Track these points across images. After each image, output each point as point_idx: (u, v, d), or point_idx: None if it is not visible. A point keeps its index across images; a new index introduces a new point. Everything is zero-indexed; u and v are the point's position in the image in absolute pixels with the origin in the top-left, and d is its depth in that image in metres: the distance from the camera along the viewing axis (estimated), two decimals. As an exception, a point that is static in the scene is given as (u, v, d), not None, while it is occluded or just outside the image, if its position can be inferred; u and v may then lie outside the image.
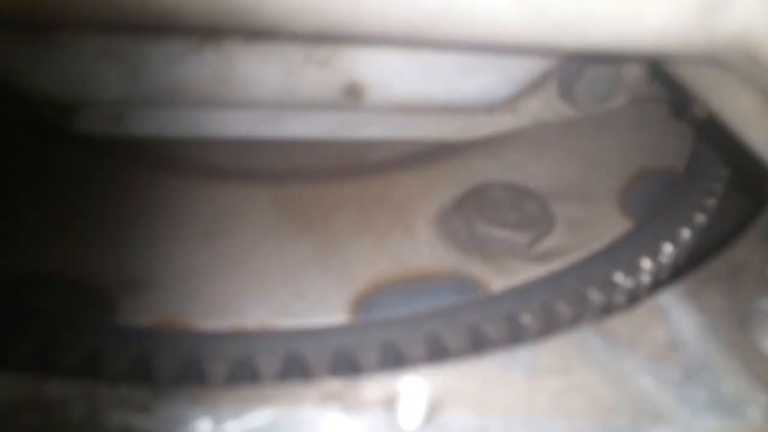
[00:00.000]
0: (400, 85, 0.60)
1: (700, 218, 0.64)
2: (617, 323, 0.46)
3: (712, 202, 0.66)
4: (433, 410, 0.40)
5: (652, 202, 0.66)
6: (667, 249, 0.60)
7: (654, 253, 0.60)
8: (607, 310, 0.56)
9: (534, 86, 0.64)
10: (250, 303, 0.53)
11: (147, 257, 0.54)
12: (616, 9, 0.37)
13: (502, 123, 0.67)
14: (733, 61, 0.41)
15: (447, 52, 0.58)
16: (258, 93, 0.59)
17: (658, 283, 0.59)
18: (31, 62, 0.56)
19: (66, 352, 0.46)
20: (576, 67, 0.65)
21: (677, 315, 0.47)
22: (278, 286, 0.54)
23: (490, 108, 0.65)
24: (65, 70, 0.58)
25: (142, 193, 0.61)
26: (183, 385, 0.43)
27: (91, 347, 0.47)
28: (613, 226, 0.63)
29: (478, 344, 0.51)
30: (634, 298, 0.57)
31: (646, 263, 0.58)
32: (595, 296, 0.56)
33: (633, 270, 0.58)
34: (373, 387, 0.40)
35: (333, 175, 0.66)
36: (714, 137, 0.62)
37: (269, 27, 0.40)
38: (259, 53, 0.57)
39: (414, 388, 0.40)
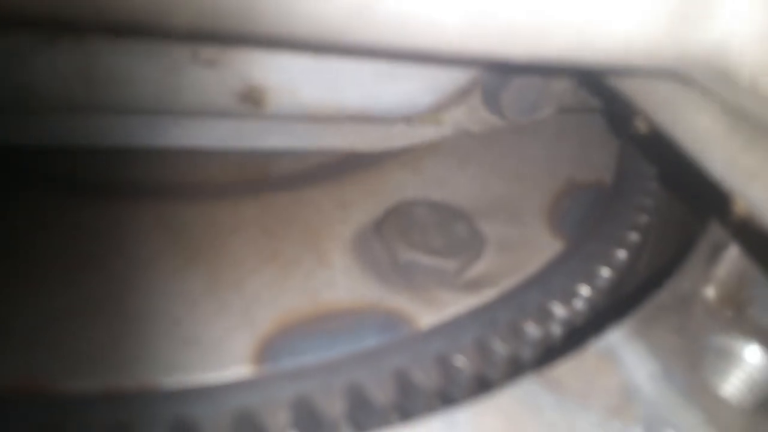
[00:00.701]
0: (308, 91, 0.51)
1: (634, 237, 0.60)
2: (565, 372, 0.40)
3: (644, 219, 0.62)
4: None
5: (583, 219, 0.62)
6: (604, 272, 0.55)
7: (590, 278, 0.55)
8: (545, 344, 0.50)
9: (459, 95, 0.58)
10: (126, 356, 0.42)
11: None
12: (577, 16, 0.31)
13: (424, 133, 0.60)
14: (700, 77, 0.36)
15: (360, 58, 0.50)
16: (131, 96, 0.48)
17: (597, 311, 0.54)
18: None
19: None
20: (503, 76, 0.59)
21: (628, 358, 0.42)
22: (162, 332, 0.44)
23: (410, 118, 0.58)
24: None
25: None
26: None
27: None
28: (545, 247, 0.57)
29: (406, 394, 0.43)
30: (572, 328, 0.52)
31: (583, 289, 0.53)
32: (532, 330, 0.50)
33: (569, 298, 0.53)
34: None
35: (229, 191, 0.56)
36: (649, 150, 0.59)
37: (130, 22, 0.30)
38: (130, 50, 0.46)
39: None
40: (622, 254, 0.58)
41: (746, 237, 0.50)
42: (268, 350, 0.45)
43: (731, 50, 0.33)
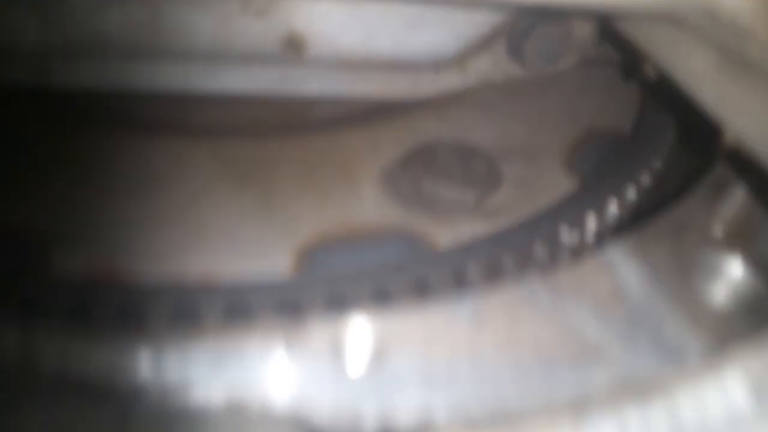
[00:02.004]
0: (344, 38, 0.58)
1: (646, 178, 0.64)
2: (563, 276, 0.46)
3: (658, 163, 0.66)
4: (379, 356, 0.38)
5: (598, 162, 0.66)
6: (612, 206, 0.60)
7: (599, 210, 0.60)
8: (552, 264, 0.55)
9: (483, 44, 0.63)
10: (190, 255, 0.50)
11: (80, 209, 0.51)
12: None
13: (450, 81, 0.66)
14: (691, 19, 0.40)
15: (394, 4, 0.56)
16: (190, 44, 0.55)
17: (603, 240, 0.59)
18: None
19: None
20: (526, 26, 0.64)
21: (623, 268, 0.47)
22: (219, 239, 0.52)
23: (437, 65, 0.64)
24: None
25: (75, 145, 0.57)
26: (122, 332, 0.40)
27: (24, 300, 0.43)
28: (559, 184, 0.63)
29: (423, 296, 0.50)
30: (579, 253, 0.57)
31: (591, 220, 0.58)
32: (540, 251, 0.55)
33: (578, 226, 0.58)
34: (318, 332, 0.38)
35: (274, 131, 0.64)
36: (664, 98, 0.63)
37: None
38: (190, 1, 0.53)
39: (360, 333, 0.39)
40: (631, 193, 0.62)
41: (750, 175, 0.54)
42: (305, 259, 0.52)
43: None
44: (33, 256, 0.48)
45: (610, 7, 0.44)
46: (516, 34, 0.65)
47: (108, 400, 0.36)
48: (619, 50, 0.67)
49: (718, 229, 0.53)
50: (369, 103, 0.67)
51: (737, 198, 0.56)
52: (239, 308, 0.46)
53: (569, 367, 0.40)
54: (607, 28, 0.61)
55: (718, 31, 0.42)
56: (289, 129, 0.64)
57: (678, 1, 0.41)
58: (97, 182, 0.55)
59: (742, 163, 0.45)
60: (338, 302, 0.48)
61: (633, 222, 0.64)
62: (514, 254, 0.55)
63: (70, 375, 0.34)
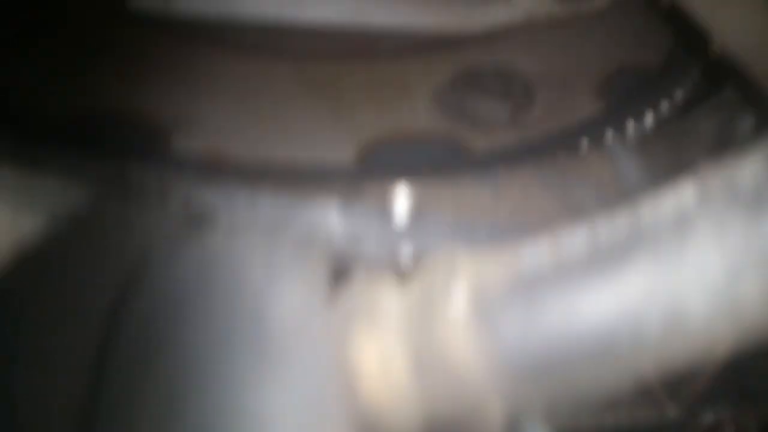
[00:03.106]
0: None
1: (665, 105, 0.73)
2: (572, 164, 0.57)
3: (679, 92, 0.74)
4: (417, 207, 0.51)
5: (626, 91, 0.75)
6: (630, 125, 0.70)
7: (618, 128, 0.69)
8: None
9: (525, -18, 0.73)
10: (275, 144, 0.64)
11: (195, 105, 0.66)
12: None
13: (498, 16, 0.76)
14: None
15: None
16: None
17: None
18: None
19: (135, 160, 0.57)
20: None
21: (624, 160, 0.58)
22: (298, 136, 0.66)
23: (487, 1, 0.75)
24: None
25: (188, 61, 0.72)
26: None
27: (152, 163, 0.58)
28: (587, 107, 0.72)
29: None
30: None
31: (609, 135, 0.68)
32: (562, 156, 0.66)
33: (598, 139, 0.68)
34: (371, 190, 0.52)
35: (347, 57, 0.76)
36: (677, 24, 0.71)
37: None
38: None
39: (404, 190, 0.51)
40: (650, 116, 0.71)
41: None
42: (368, 151, 0.65)
43: None
44: (157, 136, 0.63)
45: None
46: (556, -26, 0.74)
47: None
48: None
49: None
50: (427, 36, 0.79)
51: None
52: (314, 179, 0.60)
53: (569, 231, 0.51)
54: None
55: None
56: (359, 56, 0.77)
57: None
58: (203, 89, 0.70)
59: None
60: (391, 179, 0.60)
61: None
62: (539, 156, 0.66)
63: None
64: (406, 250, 0.50)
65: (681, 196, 0.34)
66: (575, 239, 0.36)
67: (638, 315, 0.31)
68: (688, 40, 0.61)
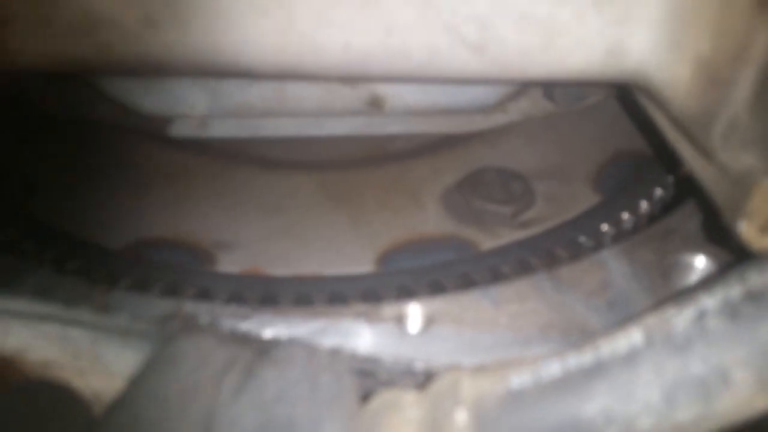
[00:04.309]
0: (411, 96, 0.78)
1: (659, 192, 0.79)
2: (565, 271, 0.64)
3: (670, 179, 0.81)
4: (428, 323, 0.58)
5: (622, 181, 0.82)
6: (625, 217, 0.76)
7: (614, 221, 0.76)
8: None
9: (519, 92, 0.81)
10: (305, 258, 0.72)
11: (233, 227, 0.75)
12: (544, 56, 0.54)
13: (496, 120, 0.85)
14: (642, 89, 0.57)
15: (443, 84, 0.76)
16: (304, 106, 0.78)
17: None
18: (141, 89, 0.77)
19: (186, 290, 0.66)
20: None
21: (613, 264, 0.64)
22: (324, 247, 0.74)
23: (484, 109, 0.83)
24: (165, 95, 0.79)
25: (224, 180, 0.81)
26: (266, 308, 0.62)
27: (201, 287, 0.67)
28: (585, 200, 0.79)
29: (468, 285, 0.69)
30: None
31: (605, 228, 0.75)
32: (561, 253, 0.73)
33: (594, 234, 0.75)
34: (389, 309, 0.59)
35: (362, 163, 0.85)
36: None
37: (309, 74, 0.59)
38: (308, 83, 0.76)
39: (416, 310, 0.59)
40: (644, 205, 0.78)
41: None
42: (383, 259, 0.73)
43: (647, 71, 0.54)
44: (203, 259, 0.72)
45: (578, 80, 0.60)
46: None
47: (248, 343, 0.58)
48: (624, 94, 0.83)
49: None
50: (433, 138, 0.87)
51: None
52: (338, 294, 0.68)
53: (560, 337, 0.58)
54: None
55: (656, 98, 0.58)
56: (372, 161, 0.85)
57: (625, 76, 0.57)
58: (240, 207, 0.79)
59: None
60: (405, 291, 0.68)
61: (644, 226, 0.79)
62: (539, 256, 0.72)
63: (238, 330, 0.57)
64: (418, 363, 0.57)
65: (630, 338, 0.42)
66: (550, 366, 0.44)
67: (599, 429, 0.38)
68: (663, 147, 0.67)
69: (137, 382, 0.45)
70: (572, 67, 0.55)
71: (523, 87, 0.81)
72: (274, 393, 0.42)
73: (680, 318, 0.39)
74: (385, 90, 0.77)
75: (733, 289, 0.41)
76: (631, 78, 0.56)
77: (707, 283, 0.50)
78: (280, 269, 0.71)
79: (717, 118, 0.46)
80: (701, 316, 0.41)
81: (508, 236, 0.75)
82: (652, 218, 0.80)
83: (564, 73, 0.56)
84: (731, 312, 0.41)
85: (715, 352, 0.40)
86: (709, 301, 0.41)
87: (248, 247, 0.73)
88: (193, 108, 0.78)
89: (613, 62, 0.55)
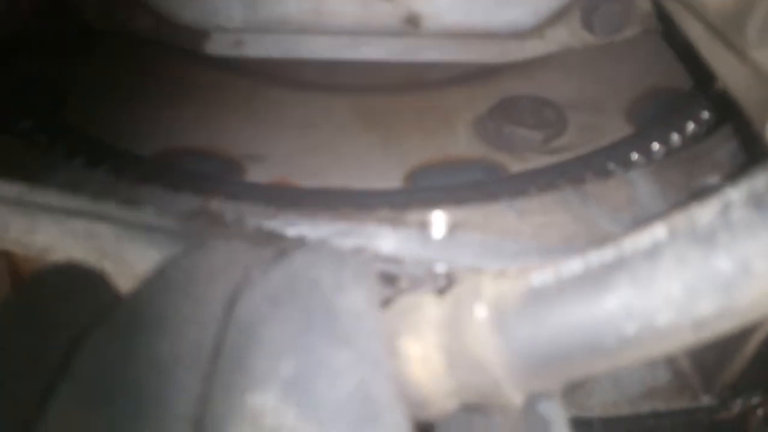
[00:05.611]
0: (449, 14, 0.78)
1: (691, 126, 0.78)
2: (591, 186, 0.64)
3: (705, 114, 0.80)
4: (451, 230, 0.59)
5: (656, 114, 0.81)
6: (656, 147, 0.76)
7: (644, 150, 0.75)
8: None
9: (557, 17, 0.80)
10: (334, 172, 0.74)
11: (264, 140, 0.76)
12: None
13: (533, 48, 0.84)
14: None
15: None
16: (341, 22, 0.79)
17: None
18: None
19: (215, 192, 0.68)
20: (594, 1, 0.80)
21: (640, 183, 0.64)
22: (353, 163, 0.75)
23: (522, 35, 0.82)
24: (202, 4, 0.80)
25: (258, 98, 0.83)
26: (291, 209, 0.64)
27: (228, 191, 0.69)
28: (617, 131, 0.79)
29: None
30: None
31: (635, 157, 0.74)
32: (591, 179, 0.72)
33: (624, 162, 0.74)
34: (414, 215, 0.60)
35: (396, 89, 0.86)
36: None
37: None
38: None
39: (440, 217, 0.60)
40: (675, 137, 0.77)
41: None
42: (412, 177, 0.74)
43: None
44: (234, 169, 0.74)
45: None
46: (587, 8, 0.81)
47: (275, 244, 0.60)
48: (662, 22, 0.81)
49: None
50: (469, 67, 0.87)
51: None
52: (364, 203, 0.69)
53: (582, 245, 0.58)
54: (655, 3, 0.75)
55: (692, 4, 0.57)
56: (407, 87, 0.86)
57: None
58: (272, 124, 0.80)
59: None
60: (431, 201, 0.69)
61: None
62: (568, 180, 0.72)
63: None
64: (440, 265, 0.58)
65: (653, 233, 0.42)
66: (572, 263, 0.44)
67: (618, 323, 0.38)
68: (700, 75, 0.66)
69: (165, 267, 0.46)
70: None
71: (561, 12, 0.80)
72: (302, 264, 0.44)
73: (704, 211, 0.39)
74: (423, 7, 0.77)
75: (759, 181, 0.41)
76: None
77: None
78: (308, 181, 0.72)
79: (752, 15, 0.45)
80: (726, 207, 0.41)
81: (537, 161, 0.75)
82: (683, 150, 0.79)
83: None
84: (756, 202, 0.41)
85: (739, 243, 0.40)
86: (734, 193, 0.41)
87: (278, 160, 0.74)
88: (230, 20, 0.79)
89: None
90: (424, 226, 0.60)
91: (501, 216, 0.61)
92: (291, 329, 0.28)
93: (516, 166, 0.75)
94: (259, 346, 0.27)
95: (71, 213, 0.57)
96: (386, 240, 0.60)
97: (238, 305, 0.29)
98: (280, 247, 0.52)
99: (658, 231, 0.43)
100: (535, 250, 0.59)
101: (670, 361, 0.68)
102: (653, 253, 0.42)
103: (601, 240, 0.58)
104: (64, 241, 0.57)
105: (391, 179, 0.73)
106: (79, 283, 0.41)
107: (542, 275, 0.44)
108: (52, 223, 0.56)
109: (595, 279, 0.41)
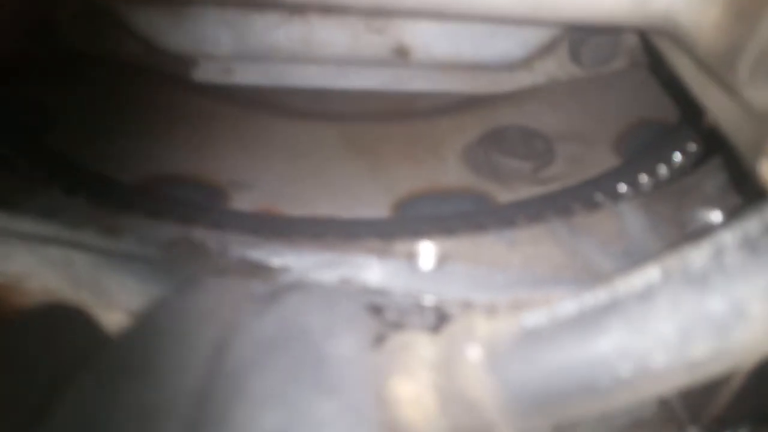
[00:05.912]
0: (437, 46, 0.78)
1: (678, 157, 0.79)
2: (580, 219, 0.64)
3: (692, 146, 0.80)
4: (440, 261, 0.59)
5: (643, 146, 0.82)
6: (643, 179, 0.76)
7: (632, 182, 0.76)
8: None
9: (545, 50, 0.81)
10: (321, 201, 0.73)
11: (249, 168, 0.76)
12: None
13: (521, 79, 0.85)
14: (669, 33, 0.57)
15: (472, 21, 0.76)
16: (330, 52, 0.79)
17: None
18: (167, 25, 0.78)
19: (198, 221, 0.67)
20: (582, 35, 0.81)
21: (629, 215, 0.64)
22: (341, 192, 0.75)
23: (511, 67, 0.83)
24: (191, 32, 0.80)
25: (245, 126, 0.82)
26: (276, 239, 0.63)
27: (212, 219, 0.68)
28: (605, 162, 0.79)
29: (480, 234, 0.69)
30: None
31: (623, 188, 0.75)
32: (579, 210, 0.73)
33: (612, 193, 0.75)
34: (401, 246, 0.60)
35: (386, 117, 0.86)
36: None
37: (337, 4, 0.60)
38: (332, 23, 0.77)
39: (429, 247, 0.60)
40: (663, 168, 0.77)
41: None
42: (400, 206, 0.73)
43: (676, 12, 0.54)
44: (217, 197, 0.73)
45: (606, 23, 0.59)
46: (575, 41, 0.82)
47: (260, 275, 0.58)
48: (649, 55, 0.82)
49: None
50: (458, 97, 0.88)
51: None
52: (351, 233, 0.68)
53: (573, 279, 0.58)
54: (643, 37, 0.76)
55: (684, 42, 0.57)
56: (396, 116, 0.86)
57: (654, 20, 0.57)
58: (259, 151, 0.80)
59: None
60: (419, 232, 0.69)
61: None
62: (556, 210, 0.73)
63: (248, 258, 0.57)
64: (428, 298, 0.58)
65: (647, 275, 0.42)
66: (566, 305, 0.43)
67: (613, 365, 0.38)
68: (687, 107, 0.67)
69: (155, 308, 0.45)
70: (601, 9, 0.55)
71: (549, 45, 0.81)
72: (294, 308, 0.43)
73: (698, 253, 0.39)
74: (412, 39, 0.77)
75: (752, 224, 0.41)
76: (658, 22, 0.56)
77: (726, 222, 0.50)
78: (294, 209, 0.71)
79: (744, 53, 0.46)
80: (719, 251, 0.41)
81: (526, 191, 0.75)
82: (671, 182, 0.80)
83: (592, 15, 0.56)
84: (750, 246, 0.41)
85: (733, 287, 0.40)
86: (728, 236, 0.41)
87: (264, 188, 0.73)
88: (218, 47, 0.79)
89: (641, 5, 0.54)
90: (412, 257, 0.60)
91: (490, 247, 0.61)
92: (279, 379, 0.27)
93: (505, 196, 0.75)
94: (245, 396, 0.26)
95: (48, 241, 0.55)
96: (373, 271, 0.59)
97: (227, 351, 0.29)
98: (271, 285, 0.51)
99: (651, 273, 0.43)
100: (525, 282, 0.58)
101: (658, 393, 0.67)
102: (647, 294, 0.42)
103: (591, 273, 0.58)
104: (40, 269, 0.55)
105: (379, 208, 0.73)
106: (61, 325, 0.40)
107: (536, 316, 0.43)
108: (27, 251, 0.55)
109: (590, 320, 0.40)
